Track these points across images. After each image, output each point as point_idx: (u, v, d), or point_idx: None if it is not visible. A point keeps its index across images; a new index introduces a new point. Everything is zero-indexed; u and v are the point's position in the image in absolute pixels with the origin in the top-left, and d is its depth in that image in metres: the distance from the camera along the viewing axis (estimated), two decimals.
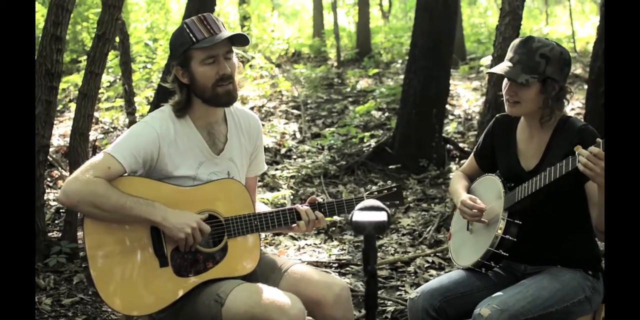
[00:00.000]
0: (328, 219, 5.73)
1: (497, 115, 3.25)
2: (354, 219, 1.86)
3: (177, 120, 2.93)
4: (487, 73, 3.10)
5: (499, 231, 2.91)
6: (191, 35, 2.84)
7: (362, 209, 1.92)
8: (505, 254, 2.92)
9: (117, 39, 7.94)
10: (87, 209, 2.71)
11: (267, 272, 3.02)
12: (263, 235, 5.67)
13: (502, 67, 2.92)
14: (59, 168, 7.11)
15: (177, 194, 2.87)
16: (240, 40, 2.89)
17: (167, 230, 2.76)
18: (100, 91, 10.39)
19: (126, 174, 2.81)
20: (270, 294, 2.72)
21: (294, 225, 3.01)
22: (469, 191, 3.23)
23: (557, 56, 2.87)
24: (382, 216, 1.87)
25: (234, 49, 2.95)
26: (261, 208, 3.16)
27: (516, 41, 2.96)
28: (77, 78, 10.52)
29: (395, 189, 3.16)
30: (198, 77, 2.87)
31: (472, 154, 3.36)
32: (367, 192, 3.17)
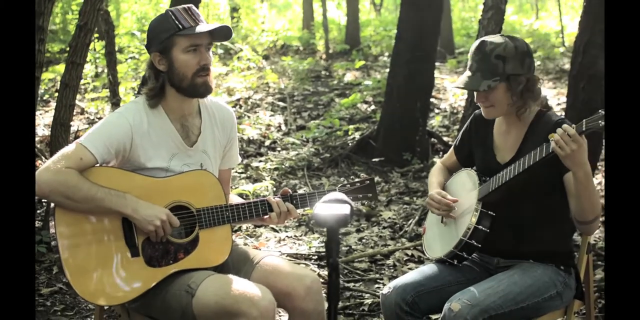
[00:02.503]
0: (309, 211, 5.78)
1: (477, 111, 3.27)
2: (315, 211, 1.87)
3: (150, 112, 2.93)
4: (455, 87, 3.10)
5: (472, 221, 2.93)
6: (177, 22, 2.84)
7: (324, 202, 1.93)
8: (478, 244, 2.94)
9: (103, 30, 7.94)
10: (58, 199, 2.72)
11: (239, 263, 3.04)
12: (244, 227, 5.67)
13: (463, 80, 2.94)
14: (43, 158, 7.08)
15: (149, 184, 2.87)
16: (223, 35, 2.91)
17: (137, 222, 2.78)
18: (86, 81, 10.43)
19: (98, 165, 2.81)
20: (241, 285, 2.73)
21: (265, 217, 3.02)
22: (445, 185, 3.25)
23: (512, 53, 2.87)
24: (344, 209, 1.88)
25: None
26: (234, 200, 3.17)
27: (472, 47, 2.96)
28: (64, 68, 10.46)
29: (368, 181, 3.17)
30: (178, 65, 2.87)
31: (452, 147, 3.38)
32: (340, 185, 3.19)
